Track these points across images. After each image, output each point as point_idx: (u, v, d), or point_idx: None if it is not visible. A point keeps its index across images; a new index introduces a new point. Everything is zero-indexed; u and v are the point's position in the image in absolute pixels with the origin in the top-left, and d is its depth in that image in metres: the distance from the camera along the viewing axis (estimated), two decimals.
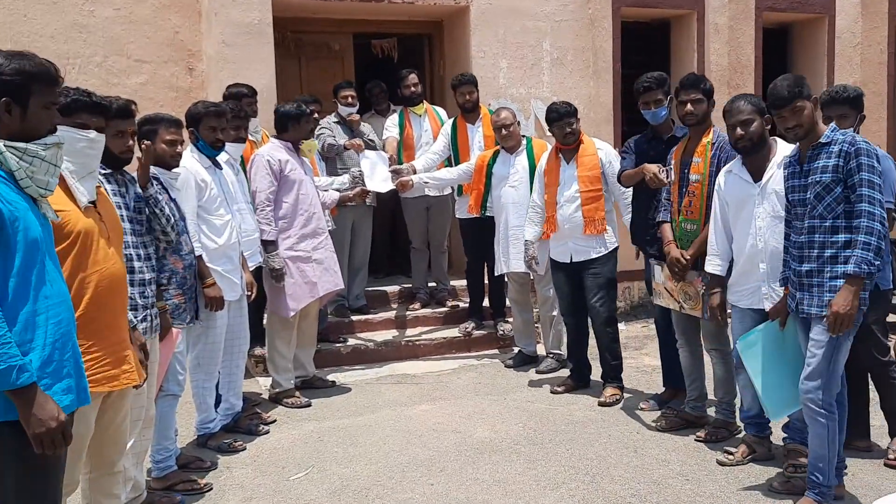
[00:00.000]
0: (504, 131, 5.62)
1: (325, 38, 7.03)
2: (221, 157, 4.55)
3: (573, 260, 5.07)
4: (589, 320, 5.19)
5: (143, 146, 3.81)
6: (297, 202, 5.08)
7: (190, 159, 4.17)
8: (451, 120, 6.32)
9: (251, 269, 4.73)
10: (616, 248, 5.06)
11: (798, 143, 3.43)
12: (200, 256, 4.04)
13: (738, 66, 7.69)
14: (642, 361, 5.93)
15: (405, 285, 6.93)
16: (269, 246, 4.95)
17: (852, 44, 8.15)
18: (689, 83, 4.24)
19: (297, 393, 5.14)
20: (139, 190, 3.44)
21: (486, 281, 6.37)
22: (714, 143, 4.17)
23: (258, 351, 5.62)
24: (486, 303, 6.46)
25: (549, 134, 7.13)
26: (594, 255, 5.01)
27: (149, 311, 3.35)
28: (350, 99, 6.35)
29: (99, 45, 6.67)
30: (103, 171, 3.17)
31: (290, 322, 5.10)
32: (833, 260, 3.28)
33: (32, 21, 6.51)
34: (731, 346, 4.10)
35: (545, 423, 4.64)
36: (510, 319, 6.35)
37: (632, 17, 7.52)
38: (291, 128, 5.15)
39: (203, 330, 4.16)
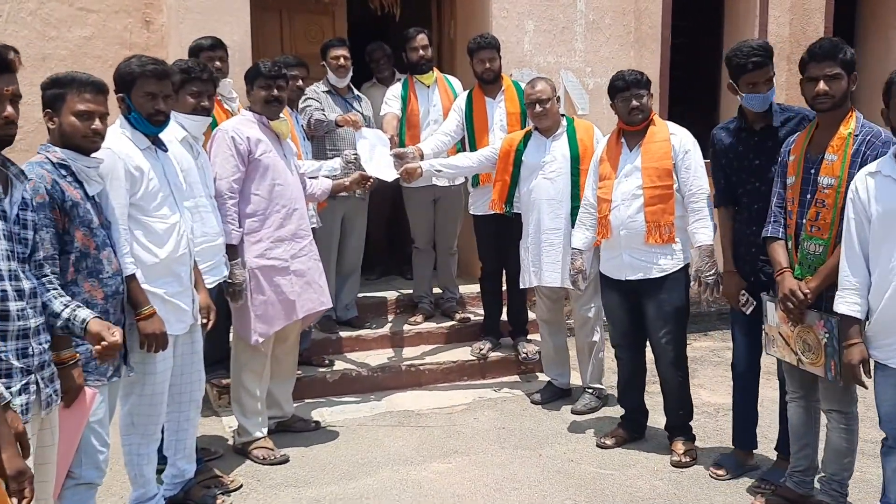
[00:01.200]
0: (539, 108, 4.43)
1: None
2: (170, 135, 3.35)
3: (629, 277, 3.91)
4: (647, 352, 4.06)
5: (45, 118, 2.63)
6: (272, 195, 3.89)
7: (119, 139, 2.96)
8: (466, 93, 5.12)
9: (213, 285, 3.55)
10: (687, 266, 3.90)
11: None
12: (133, 276, 2.85)
13: (803, 37, 6.50)
14: (698, 396, 4.77)
15: (405, 291, 5.75)
16: (230, 252, 3.75)
17: None
18: (822, 52, 3.05)
19: (271, 443, 3.97)
20: (27, 191, 2.24)
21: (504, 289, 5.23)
22: (857, 135, 3.01)
23: (224, 380, 4.45)
24: (503, 316, 5.31)
25: (580, 113, 6.02)
26: (657, 274, 3.85)
27: (35, 374, 2.17)
28: (342, 60, 5.12)
29: None
30: None
31: (260, 350, 3.93)
32: None
33: None
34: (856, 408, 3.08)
35: (599, 497, 3.51)
36: (533, 338, 5.21)
37: None
38: (250, 95, 3.95)
39: (138, 378, 2.98)
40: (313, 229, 4.69)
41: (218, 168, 3.80)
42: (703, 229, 3.77)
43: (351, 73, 5.22)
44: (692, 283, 3.84)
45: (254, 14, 5.54)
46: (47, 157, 2.62)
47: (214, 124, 4.17)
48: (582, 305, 4.53)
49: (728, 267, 3.62)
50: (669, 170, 3.80)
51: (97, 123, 2.66)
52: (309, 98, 5.05)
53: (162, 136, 3.26)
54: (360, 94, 5.41)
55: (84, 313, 2.31)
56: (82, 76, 2.66)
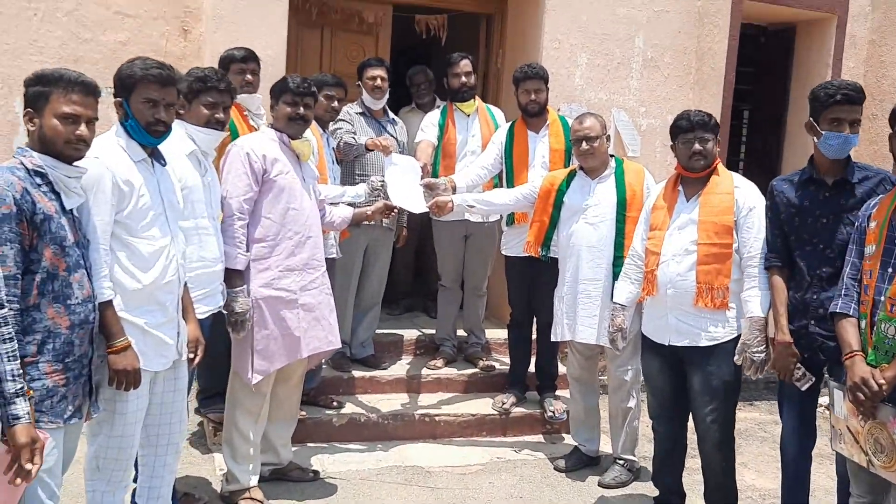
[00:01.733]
0: (586, 145, 4.05)
1: (358, 7, 5.48)
2: (177, 148, 3.06)
3: (674, 343, 3.48)
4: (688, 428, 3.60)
5: (25, 119, 2.34)
6: (286, 220, 3.56)
7: (110, 147, 2.65)
8: (508, 125, 4.76)
9: (206, 315, 3.22)
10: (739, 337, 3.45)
11: None
12: (109, 303, 2.52)
13: (878, 91, 6.04)
14: (742, 478, 4.24)
15: (426, 331, 5.37)
16: (233, 278, 3.42)
17: None
18: None
19: (261, 494, 3.58)
20: None
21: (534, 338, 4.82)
22: None
23: (221, 416, 4.10)
24: (530, 368, 4.89)
25: (630, 154, 5.62)
26: (706, 343, 3.41)
27: None
28: (379, 81, 4.80)
29: None
30: None
31: (259, 389, 3.57)
32: None
33: None
34: None
35: None
36: (562, 394, 4.78)
37: (748, 18, 5.89)
38: (274, 110, 3.65)
39: (107, 416, 2.64)
40: (332, 260, 4.37)
41: (229, 186, 3.49)
42: (758, 298, 3.31)
43: (387, 96, 4.91)
44: (736, 357, 3.36)
45: (294, 29, 5.31)
46: (21, 163, 2.32)
47: (236, 137, 3.88)
48: (619, 366, 4.09)
49: (782, 336, 3.17)
50: (730, 227, 3.37)
51: (83, 129, 2.36)
52: (341, 119, 4.74)
53: (166, 148, 2.97)
54: (395, 118, 5.09)
55: (21, 408, 2.03)
56: (71, 74, 2.36)
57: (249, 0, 4.74)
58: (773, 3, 5.63)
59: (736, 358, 3.35)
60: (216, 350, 3.69)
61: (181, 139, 3.18)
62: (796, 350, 3.12)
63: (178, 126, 3.21)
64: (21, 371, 2.14)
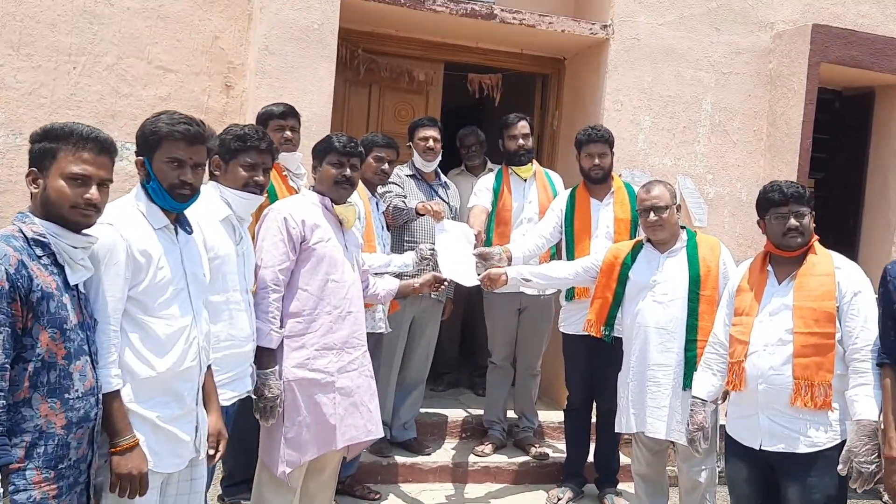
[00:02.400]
0: (654, 216, 3.65)
1: (408, 64, 5.23)
2: (210, 212, 2.75)
3: (766, 447, 2.99)
4: None
5: (28, 180, 2.04)
6: (324, 293, 3.20)
7: (128, 212, 2.33)
8: (569, 191, 4.39)
9: (232, 401, 2.85)
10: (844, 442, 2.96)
11: None
12: (116, 394, 2.17)
13: None
14: None
15: (474, 412, 4.93)
16: (265, 358, 3.06)
17: None
18: None
19: None
20: None
21: (594, 423, 4.36)
22: None
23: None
24: (589, 458, 4.42)
25: (697, 224, 5.20)
26: (806, 449, 2.92)
27: None
28: (432, 142, 4.49)
29: (113, 43, 5.01)
30: None
31: (288, 483, 3.16)
32: None
33: (28, 1, 4.93)
34: None
35: None
36: (624, 488, 4.28)
37: (822, 81, 5.50)
38: (317, 171, 3.34)
39: None
40: (380, 335, 4.00)
41: (264, 254, 3.15)
42: (868, 398, 2.82)
43: (440, 158, 4.59)
44: (840, 467, 2.86)
45: (341, 87, 5.07)
46: (20, 230, 2.00)
47: (274, 199, 3.58)
48: (693, 466, 3.61)
49: (889, 451, 2.69)
50: (832, 314, 2.92)
51: (93, 192, 2.05)
52: (391, 182, 4.43)
53: (196, 212, 2.67)
54: (448, 181, 4.77)
55: None
56: (83, 129, 2.06)
57: (296, 55, 4.49)
58: (854, 66, 5.23)
59: (840, 468, 2.86)
60: (245, 432, 3.33)
61: (215, 203, 2.87)
62: None
63: (212, 188, 2.93)
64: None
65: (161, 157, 2.35)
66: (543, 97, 5.67)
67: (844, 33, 5.23)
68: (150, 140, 2.36)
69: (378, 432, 3.35)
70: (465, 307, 5.25)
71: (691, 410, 3.23)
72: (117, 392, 2.17)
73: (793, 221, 3.01)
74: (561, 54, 5.53)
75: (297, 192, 3.75)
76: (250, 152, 2.91)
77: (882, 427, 2.76)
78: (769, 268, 3.10)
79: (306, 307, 3.18)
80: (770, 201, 3.06)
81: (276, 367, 3.10)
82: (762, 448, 3.00)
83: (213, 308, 2.73)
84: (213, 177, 2.97)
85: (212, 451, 2.55)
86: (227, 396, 2.82)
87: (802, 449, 2.91)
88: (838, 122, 5.88)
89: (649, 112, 5.11)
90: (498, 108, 5.68)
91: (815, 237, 3.10)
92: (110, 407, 2.14)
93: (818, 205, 5.90)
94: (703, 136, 5.25)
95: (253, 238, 3.35)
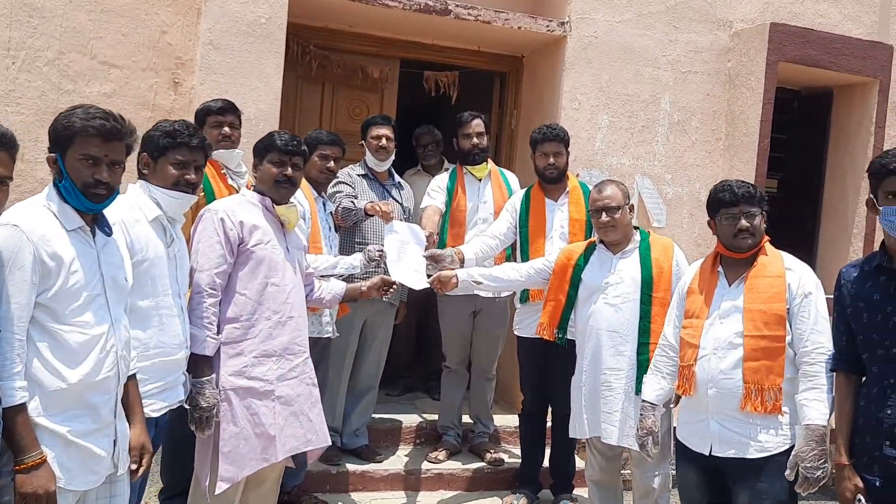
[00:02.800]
0: (606, 217, 3.56)
1: (362, 61, 5.10)
2: (139, 212, 2.63)
3: (717, 453, 2.92)
4: None
5: None
6: (263, 297, 3.07)
7: (34, 213, 2.18)
8: (524, 191, 4.30)
9: (162, 412, 2.71)
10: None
11: None
12: (21, 407, 2.02)
13: None
14: None
15: (428, 417, 4.82)
16: (200, 366, 2.92)
17: None
18: None
19: None
20: None
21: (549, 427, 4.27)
22: None
23: None
24: (544, 463, 4.33)
25: (655, 225, 5.14)
26: (756, 454, 2.85)
27: None
28: (384, 141, 4.37)
29: (54, 37, 4.82)
30: None
31: (225, 497, 3.03)
32: None
33: None
34: None
35: None
36: (579, 493, 4.20)
37: (781, 81, 5.47)
38: (257, 170, 3.21)
39: None
40: (328, 339, 3.89)
41: (200, 257, 3.01)
42: (817, 402, 2.75)
43: (393, 157, 4.47)
44: (788, 471, 2.78)
45: (293, 84, 4.94)
46: None
47: (212, 199, 3.44)
48: (646, 471, 3.53)
49: (842, 458, 2.64)
50: (782, 316, 2.85)
51: None
52: (340, 182, 4.31)
53: (122, 213, 2.54)
54: (402, 181, 4.65)
55: None
56: None
57: (242, 50, 4.36)
58: (812, 65, 5.21)
59: (787, 472, 2.79)
60: (182, 441, 3.18)
61: (144, 203, 2.73)
62: (857, 478, 2.58)
63: (141, 188, 2.79)
64: None
65: (74, 155, 2.21)
66: (502, 96, 5.58)
67: (802, 32, 5.21)
68: (62, 136, 2.22)
69: (320, 442, 3.22)
70: (420, 309, 5.14)
71: (641, 415, 3.16)
72: (22, 406, 2.02)
73: (743, 222, 2.94)
74: (519, 52, 5.44)
75: (236, 192, 3.61)
76: (180, 149, 2.77)
77: (833, 433, 2.70)
78: (719, 269, 3.03)
79: (244, 312, 3.06)
80: (720, 201, 2.99)
81: (213, 376, 2.97)
82: (712, 454, 2.92)
83: (142, 313, 2.61)
84: (141, 175, 2.83)
85: (134, 466, 2.41)
86: (156, 407, 2.69)
87: (753, 454, 2.85)
88: (797, 123, 5.87)
89: (607, 111, 5.04)
90: (456, 107, 5.57)
91: (766, 238, 3.03)
92: (14, 422, 2.00)
93: (778, 206, 5.91)
94: (662, 136, 5.19)
95: (188, 239, 3.22)
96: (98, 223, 2.33)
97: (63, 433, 2.13)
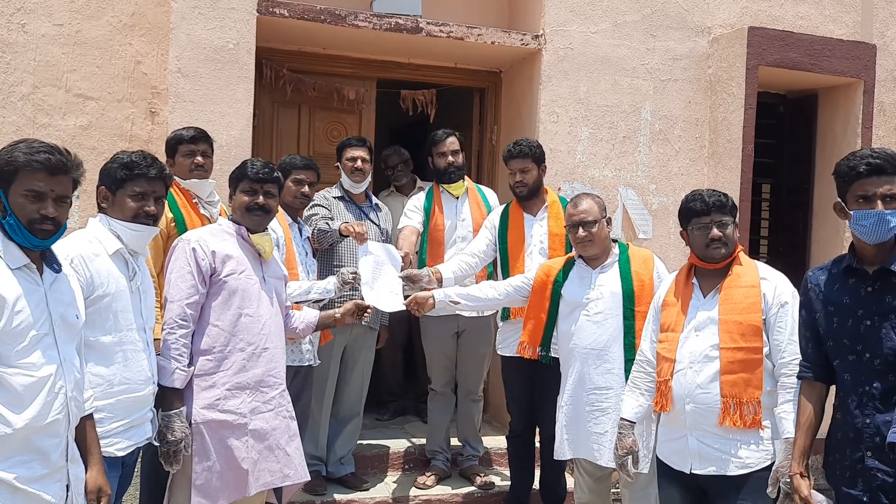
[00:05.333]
0: (583, 231, 3.50)
1: (337, 83, 5.06)
2: (98, 246, 2.60)
3: (696, 471, 2.84)
4: None
5: None
6: (237, 328, 3.03)
7: None
8: (503, 207, 4.24)
9: (128, 451, 2.65)
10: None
11: None
12: None
13: None
14: None
15: (417, 441, 4.74)
16: (170, 398, 2.88)
17: None
18: None
19: None
20: None
21: (538, 448, 4.18)
22: None
23: None
24: (534, 485, 4.24)
25: (641, 237, 5.07)
26: (737, 471, 2.77)
27: None
28: (360, 163, 4.31)
29: (28, 72, 4.80)
30: None
31: None
32: None
33: None
34: None
35: None
36: None
37: (765, 85, 5.42)
38: (232, 200, 3.18)
39: None
40: (310, 368, 3.83)
41: (172, 288, 2.98)
42: (794, 415, 2.68)
43: (369, 179, 4.42)
44: (769, 488, 2.71)
45: (269, 109, 4.92)
46: None
47: (182, 229, 3.40)
48: (636, 492, 3.43)
49: (794, 467, 2.57)
50: (758, 327, 2.78)
51: None
52: (316, 204, 4.26)
53: (81, 247, 2.50)
54: (379, 203, 4.59)
55: None
56: None
57: (211, 77, 4.33)
58: (793, 68, 5.15)
59: (769, 489, 2.71)
60: (157, 475, 3.11)
61: (103, 236, 2.69)
62: (807, 491, 2.51)
63: (100, 221, 2.75)
64: None
65: (18, 190, 2.16)
66: (482, 112, 5.53)
67: (782, 35, 5.15)
68: (5, 171, 2.17)
69: (298, 476, 3.15)
70: (408, 330, 5.07)
71: (619, 433, 3.07)
72: None
73: (715, 231, 2.87)
74: (496, 67, 5.41)
75: (209, 221, 3.57)
76: (138, 181, 2.73)
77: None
78: (694, 281, 2.96)
79: (217, 344, 3.01)
80: (691, 211, 2.92)
81: (183, 409, 2.92)
82: (693, 472, 2.84)
83: (105, 349, 2.57)
84: (101, 209, 2.79)
85: None
86: (122, 446, 2.64)
87: (733, 471, 2.77)
88: (784, 127, 5.80)
89: (587, 123, 4.99)
90: (438, 126, 5.52)
91: (740, 247, 2.96)
92: None
93: (770, 212, 5.83)
94: (644, 146, 5.13)
95: (161, 271, 3.19)
96: (46, 260, 2.28)
97: (9, 480, 2.07)
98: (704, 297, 2.91)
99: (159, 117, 5.10)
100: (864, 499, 2.42)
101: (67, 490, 2.23)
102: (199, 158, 3.67)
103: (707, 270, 2.94)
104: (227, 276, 3.03)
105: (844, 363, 2.51)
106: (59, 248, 2.40)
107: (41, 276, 2.24)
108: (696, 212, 2.90)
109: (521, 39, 4.88)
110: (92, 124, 4.95)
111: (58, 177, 2.21)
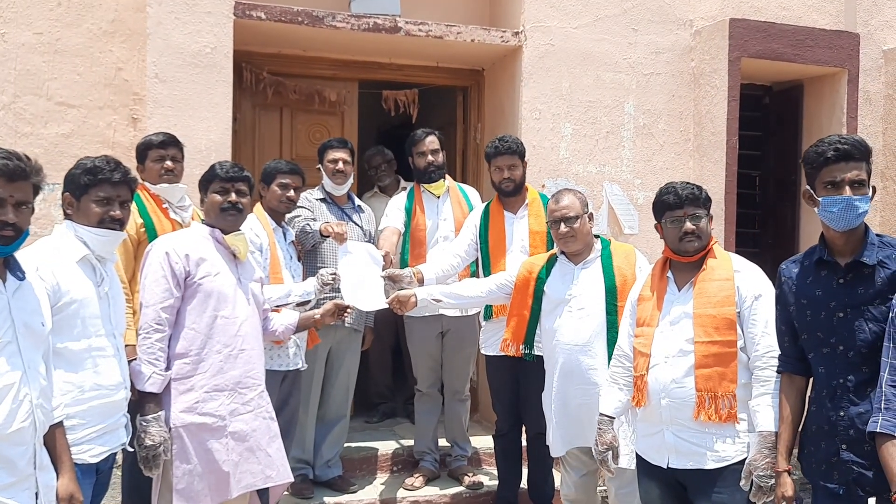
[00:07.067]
0: (564, 227, 3.49)
1: (318, 85, 5.05)
2: (65, 253, 2.59)
3: (673, 465, 2.82)
4: None
5: None
6: (213, 330, 3.03)
7: None
8: (483, 206, 4.23)
9: (102, 457, 2.64)
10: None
11: None
12: None
13: (894, 152, 5.47)
14: None
15: (405, 442, 4.72)
16: (147, 403, 2.88)
17: None
18: None
19: None
20: None
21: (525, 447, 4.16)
22: None
23: None
24: (522, 482, 4.22)
25: (627, 232, 5.05)
26: (714, 465, 2.75)
27: None
28: (341, 164, 4.29)
29: (8, 81, 4.80)
30: None
31: None
32: None
33: None
34: None
35: None
36: None
37: (749, 77, 5.40)
38: (204, 203, 3.18)
39: None
40: (297, 371, 3.82)
41: (146, 293, 2.99)
42: (768, 408, 2.67)
43: (351, 181, 4.40)
44: (742, 482, 2.69)
45: (250, 112, 4.90)
46: None
47: (152, 234, 3.40)
48: (621, 487, 3.42)
49: (779, 464, 2.57)
50: (732, 320, 2.76)
51: None
52: (299, 206, 4.24)
53: (46, 254, 2.48)
54: (362, 205, 4.57)
55: None
56: None
57: (188, 82, 4.32)
58: (776, 59, 5.13)
59: (742, 483, 2.70)
60: (140, 480, 3.10)
61: (69, 243, 2.68)
62: (790, 489, 2.51)
63: (66, 228, 2.74)
64: None
65: None
66: (465, 110, 5.51)
67: (764, 26, 5.14)
68: None
69: (280, 477, 3.14)
70: (395, 332, 5.05)
71: (599, 429, 3.05)
72: None
73: (689, 225, 2.85)
74: (478, 65, 5.39)
75: (180, 225, 3.56)
76: (103, 186, 2.72)
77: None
78: (669, 274, 2.94)
79: (193, 346, 3.01)
80: (665, 204, 2.91)
81: (161, 413, 2.92)
82: (670, 466, 2.83)
83: (74, 356, 2.56)
84: (67, 216, 2.78)
85: None
86: (96, 452, 2.63)
87: (710, 464, 2.75)
88: (770, 118, 5.78)
89: (570, 119, 4.97)
90: (422, 125, 5.51)
91: (713, 240, 2.94)
92: None
93: (759, 204, 5.81)
94: (628, 141, 5.11)
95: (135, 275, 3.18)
96: (9, 267, 2.27)
97: None
98: (679, 291, 2.90)
99: (141, 123, 5.09)
100: (840, 492, 2.41)
101: (37, 498, 2.21)
102: (169, 163, 3.65)
103: (681, 264, 2.92)
104: (201, 279, 3.03)
105: (819, 356, 2.49)
106: (25, 256, 2.39)
107: (3, 283, 2.23)
108: (670, 205, 2.88)
109: (502, 37, 4.86)
110: (74, 132, 4.94)
111: (17, 182, 2.20)
